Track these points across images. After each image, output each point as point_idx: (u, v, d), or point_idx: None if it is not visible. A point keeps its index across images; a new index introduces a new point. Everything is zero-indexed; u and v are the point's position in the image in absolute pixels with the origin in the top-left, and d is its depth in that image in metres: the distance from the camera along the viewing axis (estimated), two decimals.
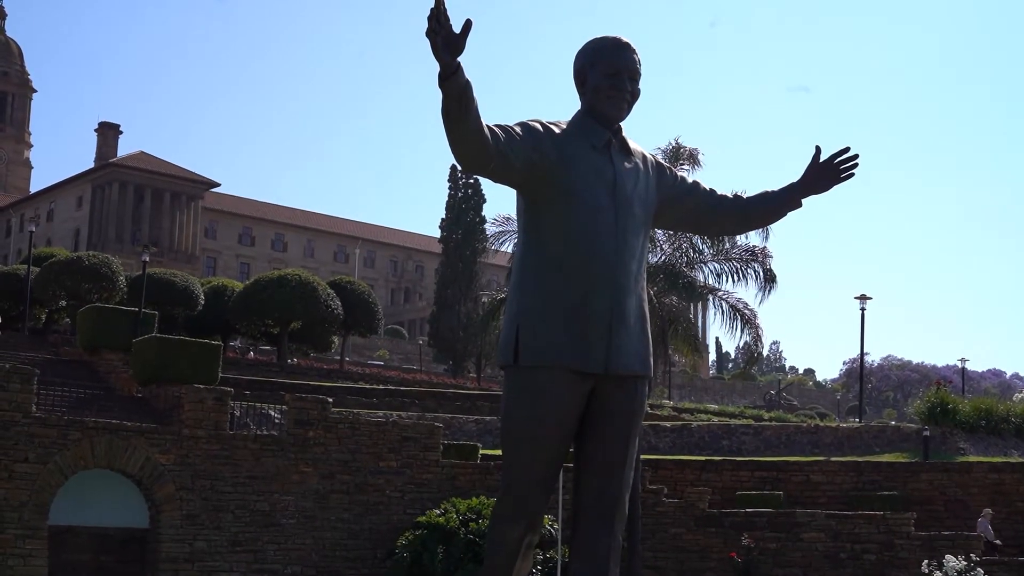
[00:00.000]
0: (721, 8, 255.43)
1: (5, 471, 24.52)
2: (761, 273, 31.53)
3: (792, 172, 6.22)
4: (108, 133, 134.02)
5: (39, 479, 24.85)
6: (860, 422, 52.65)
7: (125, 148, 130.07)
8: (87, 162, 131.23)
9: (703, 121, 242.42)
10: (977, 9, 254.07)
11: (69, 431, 25.54)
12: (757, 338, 33.77)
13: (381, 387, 53.20)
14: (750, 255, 32.00)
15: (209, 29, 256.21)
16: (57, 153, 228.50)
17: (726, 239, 31.31)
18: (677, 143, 31.23)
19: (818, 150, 6.06)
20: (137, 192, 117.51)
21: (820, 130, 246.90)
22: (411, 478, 29.23)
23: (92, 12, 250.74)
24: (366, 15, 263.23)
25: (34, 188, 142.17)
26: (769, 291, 31.48)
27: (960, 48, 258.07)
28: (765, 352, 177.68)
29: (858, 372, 64.60)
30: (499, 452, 6.10)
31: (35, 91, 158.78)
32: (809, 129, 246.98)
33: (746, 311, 32.83)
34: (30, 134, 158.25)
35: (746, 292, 35.09)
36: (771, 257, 31.87)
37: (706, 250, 31.75)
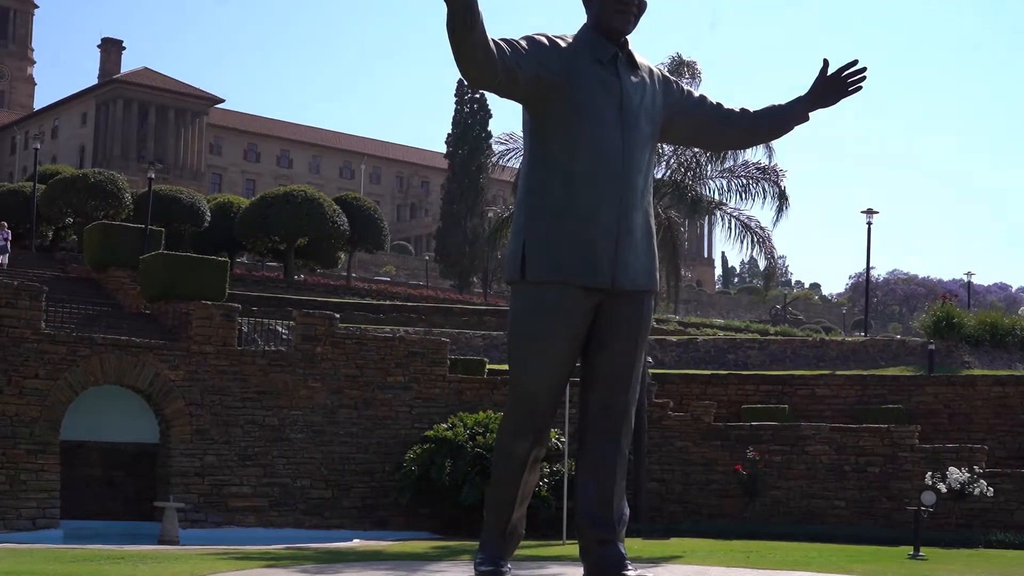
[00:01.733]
0: (721, 8, 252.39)
1: (16, 388, 24.71)
2: (775, 192, 31.34)
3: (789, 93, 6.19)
4: (111, 49, 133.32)
5: (50, 395, 25.04)
6: (865, 336, 52.78)
7: (128, 64, 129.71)
8: (91, 79, 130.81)
9: (702, 43, 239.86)
10: None
11: (78, 348, 25.68)
12: (772, 256, 33.71)
13: (388, 303, 53.44)
14: (760, 172, 31.80)
15: None
16: (60, 69, 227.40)
17: (732, 155, 31.12)
18: (679, 56, 30.93)
19: (826, 63, 6.02)
20: (141, 109, 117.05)
21: (820, 130, 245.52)
22: (418, 393, 29.40)
23: None
24: None
25: (38, 105, 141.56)
26: (783, 211, 31.33)
27: None
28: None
29: (864, 286, 64.63)
30: (506, 367, 6.14)
31: (37, 7, 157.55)
32: (809, 128, 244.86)
33: (757, 229, 32.72)
34: (33, 50, 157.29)
35: (755, 209, 34.95)
36: (784, 175, 31.67)
37: (710, 167, 31.55)
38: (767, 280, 39.49)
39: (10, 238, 46.99)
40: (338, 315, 31.02)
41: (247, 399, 27.50)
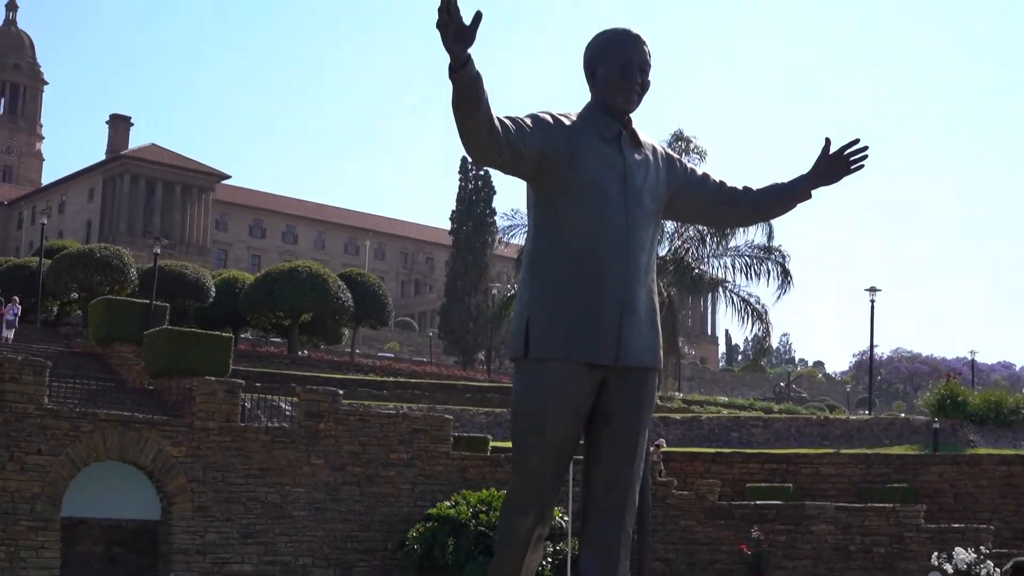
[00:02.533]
0: (721, 8, 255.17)
1: (18, 463, 24.61)
2: (777, 271, 31.51)
3: (792, 170, 6.23)
4: (119, 125, 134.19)
5: (52, 471, 24.94)
6: (870, 414, 52.57)
7: (136, 140, 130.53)
8: (98, 154, 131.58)
9: (703, 120, 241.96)
10: (980, 5, 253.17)
11: (81, 423, 25.63)
12: (767, 332, 33.82)
13: (391, 379, 53.28)
14: (764, 251, 32.00)
15: (220, 21, 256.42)
16: (69, 145, 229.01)
17: (736, 234, 31.31)
18: (680, 133, 31.23)
19: (828, 142, 6.06)
20: (148, 184, 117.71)
21: (820, 130, 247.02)
22: (421, 470, 29.28)
23: (103, 4, 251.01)
24: (377, 8, 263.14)
25: (46, 180, 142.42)
26: (786, 290, 31.50)
27: (969, 38, 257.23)
28: (775, 344, 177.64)
29: (868, 364, 64.52)
30: (509, 444, 6.11)
31: (47, 83, 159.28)
32: (809, 129, 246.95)
33: (757, 305, 32.85)
34: (42, 126, 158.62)
35: (759, 288, 35.13)
36: (788, 257, 31.87)
37: (714, 244, 31.73)
38: (760, 352, 39.56)
39: (20, 313, 47.04)
40: (341, 391, 30.97)
41: (249, 476, 27.38)
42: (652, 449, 31.98)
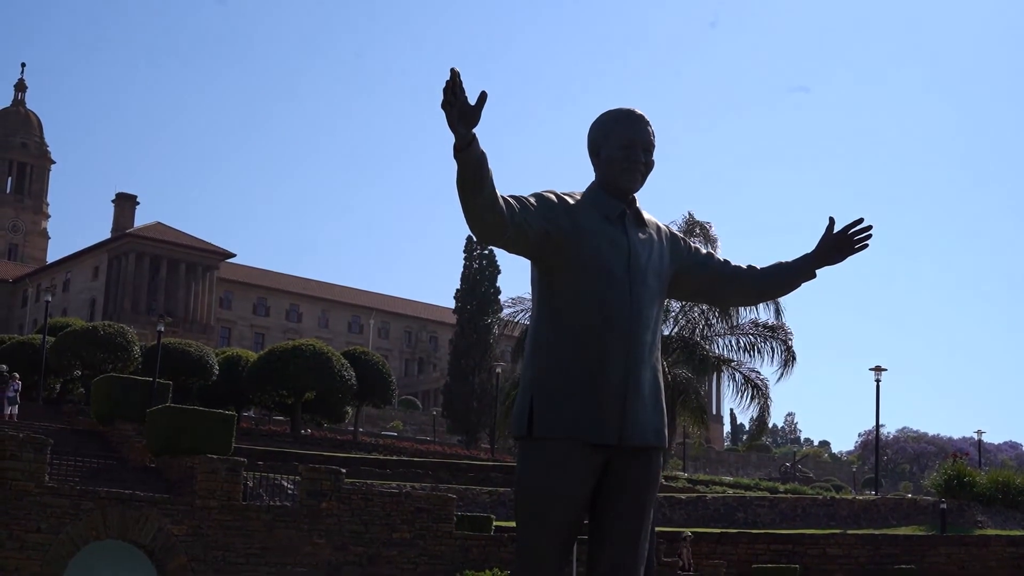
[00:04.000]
0: (721, 8, 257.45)
1: (17, 541, 24.46)
2: (782, 351, 31.58)
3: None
4: (125, 204, 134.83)
5: (51, 549, 24.77)
6: (876, 495, 52.27)
7: (142, 219, 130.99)
8: (104, 232, 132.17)
9: (701, 126, 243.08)
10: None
11: (81, 501, 25.50)
12: (766, 405, 33.78)
13: (395, 458, 53.06)
14: (768, 331, 32.07)
15: (224, 102, 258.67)
16: (75, 224, 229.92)
17: (740, 313, 31.39)
18: (691, 216, 31.43)
19: (832, 221, 6.07)
20: (153, 262, 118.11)
21: (820, 130, 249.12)
22: (424, 550, 29.06)
23: (110, 85, 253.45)
24: (380, 86, 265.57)
25: (51, 258, 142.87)
26: (789, 367, 31.51)
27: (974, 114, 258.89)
28: (780, 424, 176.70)
29: (874, 444, 64.24)
30: (513, 524, 6.07)
31: (53, 162, 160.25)
32: (809, 129, 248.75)
33: (757, 380, 32.84)
34: (48, 205, 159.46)
35: (762, 366, 35.09)
36: (792, 336, 31.89)
37: (718, 324, 31.82)
38: (760, 427, 39.42)
39: (20, 389, 46.99)
40: (344, 470, 30.85)
41: (250, 555, 27.18)
42: (683, 539, 31.73)
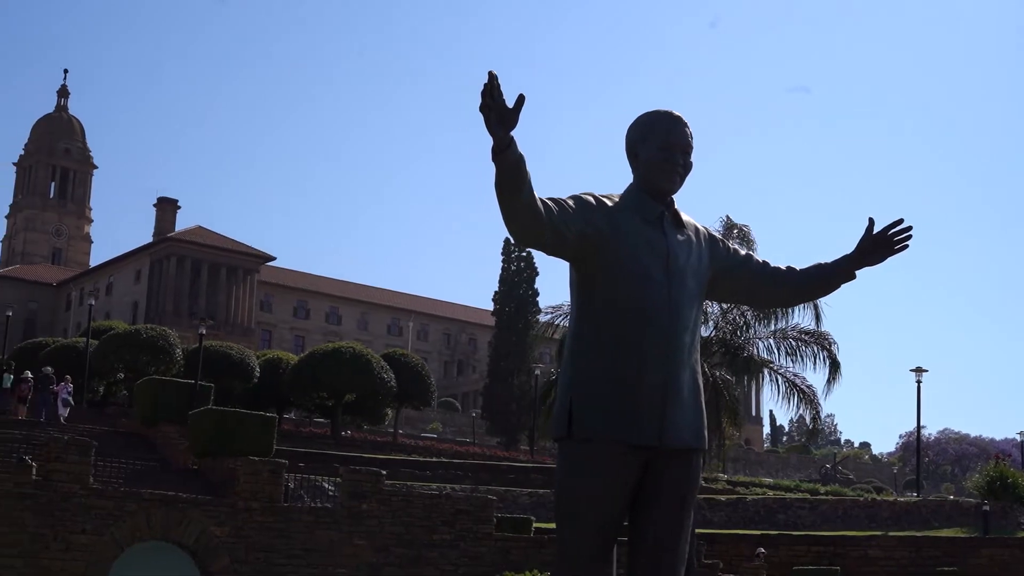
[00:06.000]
0: (721, 8, 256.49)
1: (63, 542, 24.70)
2: (824, 357, 31.41)
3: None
4: (166, 208, 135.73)
5: (96, 550, 25.00)
6: (918, 496, 51.92)
7: (183, 223, 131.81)
8: (146, 236, 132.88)
9: (701, 126, 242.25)
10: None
11: (126, 503, 25.71)
12: (816, 415, 33.61)
13: (434, 460, 53.21)
14: (809, 336, 31.90)
15: (265, 106, 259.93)
16: (117, 228, 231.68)
17: (781, 316, 31.24)
18: (728, 219, 31.34)
19: (871, 222, 6.05)
20: (194, 266, 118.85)
21: (820, 131, 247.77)
22: (464, 551, 29.11)
23: (150, 90, 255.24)
24: (420, 89, 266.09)
25: (94, 262, 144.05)
26: (835, 380, 31.38)
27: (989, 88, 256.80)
28: (820, 425, 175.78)
29: (915, 445, 63.82)
30: (553, 525, 6.09)
31: (96, 167, 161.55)
32: (809, 129, 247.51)
33: (804, 386, 32.67)
34: (91, 210, 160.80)
35: (805, 371, 34.84)
36: (835, 344, 31.71)
37: (758, 326, 31.66)
38: (811, 436, 39.30)
39: (72, 391, 47.34)
40: (385, 472, 30.94)
41: (292, 556, 27.32)
42: (758, 555, 31.48)
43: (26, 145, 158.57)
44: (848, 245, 6.00)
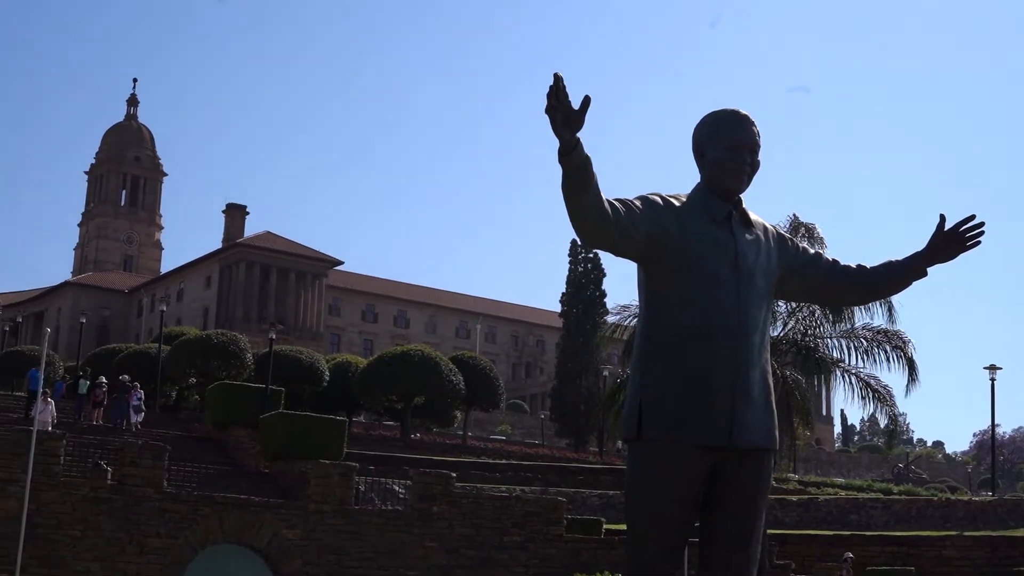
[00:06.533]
0: (721, 8, 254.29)
1: (137, 546, 25.01)
2: (898, 356, 31.05)
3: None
4: (235, 214, 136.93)
5: (170, 553, 25.29)
6: (993, 496, 51.20)
7: (252, 228, 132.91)
8: (215, 242, 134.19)
9: (819, 203, 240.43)
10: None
11: (199, 506, 25.99)
12: (894, 417, 33.30)
13: (504, 462, 53.24)
14: (883, 336, 31.55)
15: (331, 111, 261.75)
16: (186, 234, 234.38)
17: (853, 316, 30.94)
18: (795, 218, 31.11)
19: (942, 219, 5.98)
20: (263, 271, 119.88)
21: (820, 131, 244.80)
22: (535, 553, 29.12)
23: (219, 98, 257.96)
24: (484, 93, 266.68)
25: (164, 269, 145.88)
26: (914, 381, 31.04)
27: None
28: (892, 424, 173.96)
29: (989, 444, 62.96)
30: (623, 527, 6.08)
31: (165, 175, 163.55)
32: (809, 129, 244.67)
33: (879, 387, 32.33)
34: (161, 216, 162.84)
35: (879, 371, 34.40)
36: (911, 344, 31.31)
37: (828, 325, 31.38)
38: (890, 438, 38.91)
39: (143, 398, 47.92)
40: (454, 474, 31.03)
41: (363, 559, 27.48)
42: (845, 560, 31.18)
43: (97, 154, 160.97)
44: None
